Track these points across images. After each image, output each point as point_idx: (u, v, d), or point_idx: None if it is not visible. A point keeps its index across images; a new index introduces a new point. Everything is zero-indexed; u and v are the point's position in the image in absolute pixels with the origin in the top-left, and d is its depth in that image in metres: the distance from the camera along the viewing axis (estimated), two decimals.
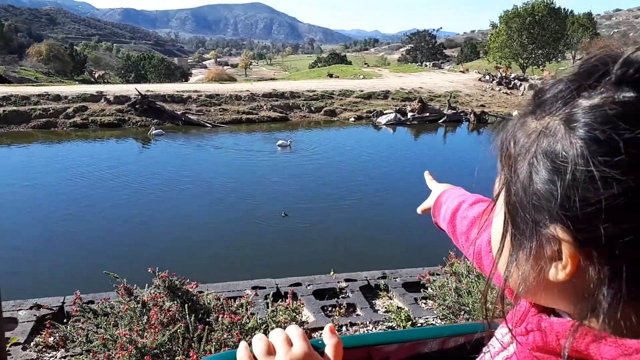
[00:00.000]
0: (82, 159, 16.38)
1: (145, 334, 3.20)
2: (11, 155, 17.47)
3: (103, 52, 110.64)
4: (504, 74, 35.17)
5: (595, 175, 0.42)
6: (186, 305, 3.34)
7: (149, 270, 3.50)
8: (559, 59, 48.47)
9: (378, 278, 5.41)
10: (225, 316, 3.37)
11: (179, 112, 23.53)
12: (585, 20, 54.59)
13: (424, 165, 16.65)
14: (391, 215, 10.68)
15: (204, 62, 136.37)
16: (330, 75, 41.57)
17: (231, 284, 5.18)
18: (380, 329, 4.29)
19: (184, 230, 10.02)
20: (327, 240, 9.62)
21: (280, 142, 18.88)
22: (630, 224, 0.41)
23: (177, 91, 26.05)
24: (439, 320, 4.33)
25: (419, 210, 1.24)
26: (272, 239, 9.53)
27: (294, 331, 0.66)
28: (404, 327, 4.23)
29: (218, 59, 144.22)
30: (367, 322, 4.42)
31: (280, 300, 4.19)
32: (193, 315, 3.31)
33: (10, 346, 3.88)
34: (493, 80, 33.96)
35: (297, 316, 3.74)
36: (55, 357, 3.93)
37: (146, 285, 3.63)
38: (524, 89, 29.51)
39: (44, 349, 4.00)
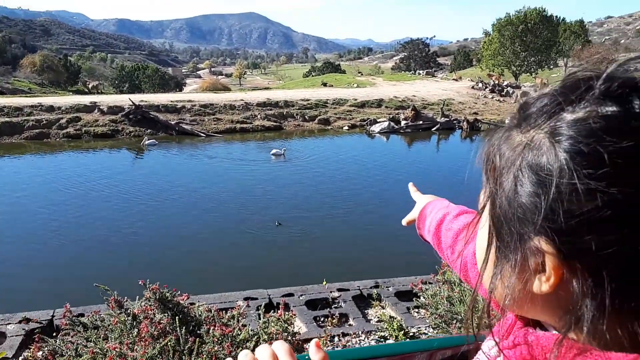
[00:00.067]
0: (74, 170, 16.32)
1: (136, 347, 3.18)
2: (3, 167, 17.38)
3: (97, 63, 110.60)
4: (496, 82, 35.38)
5: (579, 187, 0.42)
6: (177, 317, 3.32)
7: (140, 283, 3.48)
8: (552, 66, 48.91)
9: (371, 287, 5.41)
10: (216, 328, 3.35)
11: (172, 122, 23.51)
12: (577, 28, 55.04)
13: (417, 173, 16.71)
14: (384, 224, 10.67)
15: (198, 72, 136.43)
16: (325, 84, 41.69)
17: (223, 295, 5.16)
18: (372, 339, 4.28)
19: (176, 241, 9.97)
20: (320, 249, 9.59)
21: (274, 151, 18.88)
22: (613, 236, 0.42)
23: (171, 101, 26.05)
24: (431, 330, 4.32)
25: (404, 222, 1.24)
26: (265, 249, 9.49)
27: (280, 347, 0.66)
28: (396, 336, 4.22)
29: (212, 69, 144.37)
30: (360, 332, 4.41)
31: (272, 311, 4.17)
32: (184, 327, 3.28)
33: None
34: (486, 88, 34.15)
35: (289, 327, 3.72)
36: None
37: (137, 297, 3.61)
38: (517, 96, 29.66)
39: None
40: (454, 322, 3.87)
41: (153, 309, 3.48)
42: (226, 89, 45.67)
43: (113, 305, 3.52)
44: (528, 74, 46.31)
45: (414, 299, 4.70)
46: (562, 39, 50.24)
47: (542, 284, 0.47)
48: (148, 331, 3.24)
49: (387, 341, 4.23)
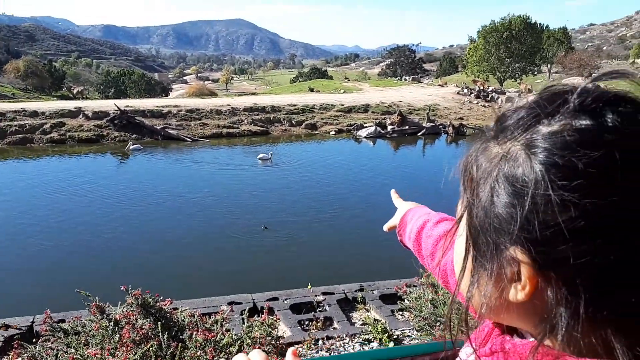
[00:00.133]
0: (58, 175, 16.12)
1: (117, 352, 3.14)
2: None
3: (82, 68, 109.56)
4: (481, 88, 35.73)
5: (554, 199, 0.43)
6: (159, 322, 3.28)
7: (122, 289, 3.45)
8: (536, 73, 49.52)
9: (355, 291, 5.40)
10: (199, 333, 3.33)
11: (158, 127, 23.36)
12: (561, 35, 55.90)
13: (403, 177, 16.78)
14: (370, 228, 10.67)
15: (184, 77, 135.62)
16: (312, 90, 41.75)
17: (207, 300, 5.12)
18: (356, 342, 4.27)
19: (160, 246, 9.87)
20: (306, 253, 9.57)
21: (261, 155, 18.85)
22: (586, 246, 0.42)
23: (157, 106, 25.89)
24: (415, 332, 4.33)
25: (385, 227, 1.25)
26: (251, 254, 9.44)
27: (257, 356, 0.67)
28: (380, 339, 4.22)
29: (199, 74, 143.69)
30: (344, 336, 4.39)
31: (256, 315, 4.15)
32: (166, 332, 3.25)
33: None
34: (471, 93, 34.45)
35: (272, 331, 3.70)
36: None
37: (119, 303, 3.57)
38: (501, 101, 29.98)
39: None
40: (438, 324, 3.89)
41: (135, 315, 3.45)
42: (213, 94, 45.51)
43: (95, 311, 3.48)
44: (512, 79, 46.83)
45: (398, 301, 4.71)
46: (546, 45, 50.97)
47: (517, 293, 0.48)
48: (130, 337, 3.21)
49: (371, 344, 4.23)
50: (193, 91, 46.71)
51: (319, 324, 4.64)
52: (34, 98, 40.75)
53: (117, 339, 3.25)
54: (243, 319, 3.81)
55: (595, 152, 0.42)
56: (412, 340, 4.27)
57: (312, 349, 4.13)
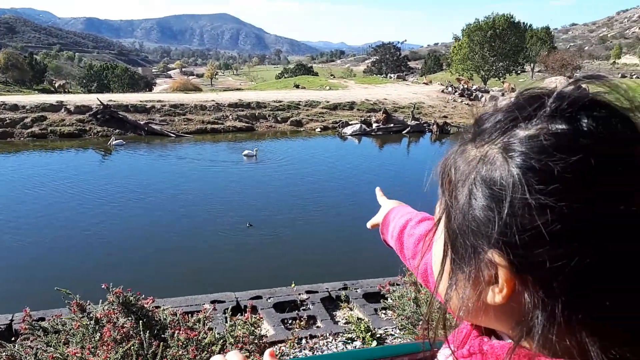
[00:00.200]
0: (38, 169, 15.88)
1: (98, 351, 3.11)
2: None
3: (64, 62, 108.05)
4: (465, 86, 35.96)
5: (531, 202, 0.43)
6: (141, 321, 3.26)
7: (103, 287, 3.41)
8: (519, 71, 50.09)
9: (339, 289, 5.42)
10: (181, 332, 3.30)
11: (142, 122, 23.10)
12: (544, 34, 56.55)
13: (388, 174, 16.84)
14: (355, 225, 10.68)
15: (168, 72, 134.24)
16: (297, 86, 41.64)
17: (189, 299, 5.09)
18: (340, 341, 4.28)
19: (142, 243, 9.78)
20: (291, 251, 9.56)
21: (246, 152, 18.77)
22: (563, 250, 0.43)
23: (141, 101, 25.60)
24: (398, 331, 4.35)
25: (368, 225, 1.26)
26: (235, 251, 9.40)
27: (234, 357, 0.66)
28: (363, 338, 4.23)
29: (183, 69, 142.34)
30: (327, 334, 4.40)
31: (239, 314, 4.14)
32: (148, 331, 3.23)
33: None
34: (455, 92, 34.66)
35: (255, 330, 3.69)
36: None
37: (100, 301, 3.53)
38: (485, 100, 30.23)
39: None
40: (420, 323, 3.91)
41: (116, 313, 3.41)
42: (197, 89, 45.12)
43: (75, 309, 3.43)
44: (496, 78, 47.28)
45: (381, 300, 4.73)
46: (529, 45, 51.55)
47: (495, 295, 0.48)
48: (111, 335, 3.17)
49: (355, 343, 4.24)
50: (177, 86, 46.25)
51: (302, 323, 4.65)
52: (15, 91, 40.08)
53: (97, 337, 3.21)
54: (226, 318, 3.80)
55: (571, 156, 0.43)
56: (394, 339, 4.29)
57: (296, 348, 4.14)
